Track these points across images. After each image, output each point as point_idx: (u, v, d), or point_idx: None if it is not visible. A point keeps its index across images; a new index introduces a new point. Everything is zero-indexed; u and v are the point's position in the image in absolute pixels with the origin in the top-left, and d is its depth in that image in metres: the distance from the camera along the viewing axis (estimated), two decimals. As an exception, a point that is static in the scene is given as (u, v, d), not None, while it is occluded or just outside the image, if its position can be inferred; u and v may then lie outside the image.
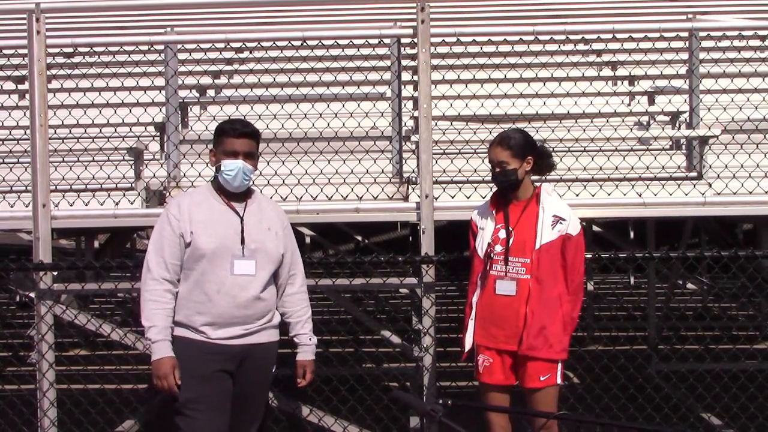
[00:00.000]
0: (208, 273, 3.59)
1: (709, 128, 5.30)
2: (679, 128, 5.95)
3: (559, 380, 3.90)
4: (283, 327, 3.86)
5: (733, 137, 5.34)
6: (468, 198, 4.95)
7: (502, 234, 3.94)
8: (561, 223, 3.90)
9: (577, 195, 4.99)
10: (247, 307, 3.64)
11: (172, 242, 3.61)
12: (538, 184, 4.07)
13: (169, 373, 3.54)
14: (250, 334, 3.67)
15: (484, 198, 4.71)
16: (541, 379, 3.86)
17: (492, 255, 3.93)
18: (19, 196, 5.14)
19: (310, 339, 3.87)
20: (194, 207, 3.67)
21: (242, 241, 3.64)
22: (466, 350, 3.99)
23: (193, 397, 3.56)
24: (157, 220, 3.75)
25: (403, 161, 5.21)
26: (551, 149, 4.21)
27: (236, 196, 3.73)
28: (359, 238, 11.64)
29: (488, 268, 3.93)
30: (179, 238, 3.61)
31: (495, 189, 4.10)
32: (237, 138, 3.69)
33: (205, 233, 3.61)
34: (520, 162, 3.93)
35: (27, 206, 4.91)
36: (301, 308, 3.86)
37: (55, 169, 5.08)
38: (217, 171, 3.72)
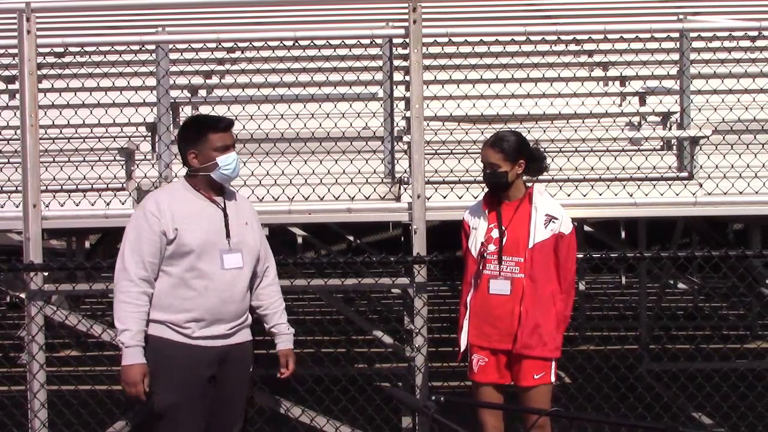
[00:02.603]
0: (196, 268, 3.53)
1: (700, 129, 5.32)
2: (670, 129, 5.97)
3: (552, 378, 3.91)
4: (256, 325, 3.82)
5: (723, 138, 5.36)
6: (460, 198, 4.96)
7: (495, 233, 3.94)
8: (554, 222, 3.91)
9: (569, 195, 5.00)
10: (233, 302, 3.59)
11: (150, 240, 3.52)
12: (530, 184, 4.08)
13: (138, 381, 3.48)
14: (230, 335, 3.62)
15: (476, 198, 4.72)
16: (535, 377, 3.87)
17: (485, 254, 3.94)
18: (9, 197, 5.11)
19: (288, 329, 3.83)
20: (174, 203, 3.58)
21: (227, 235, 3.59)
22: (461, 350, 4.00)
23: (175, 402, 3.50)
24: (132, 218, 3.63)
25: (395, 161, 5.21)
26: (544, 150, 4.22)
27: (214, 190, 3.67)
28: (351, 238, 11.64)
29: (481, 267, 3.94)
30: (159, 236, 3.52)
31: (487, 189, 4.11)
32: (224, 132, 3.63)
33: (190, 228, 3.53)
34: (512, 165, 3.94)
35: (17, 207, 4.88)
36: (276, 300, 3.82)
37: (46, 170, 5.06)
38: (197, 171, 3.62)
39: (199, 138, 3.62)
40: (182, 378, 3.51)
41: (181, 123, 6.02)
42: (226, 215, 3.63)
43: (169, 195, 3.64)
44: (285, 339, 3.82)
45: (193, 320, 3.54)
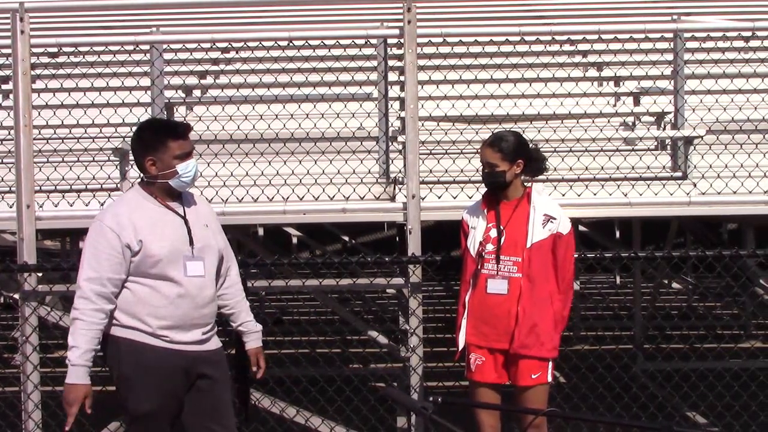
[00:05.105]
0: (167, 277, 3.44)
1: (694, 129, 5.33)
2: (664, 129, 5.98)
3: (549, 378, 3.92)
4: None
5: (717, 137, 5.38)
6: (454, 198, 4.96)
7: (494, 233, 3.95)
8: (552, 222, 3.92)
9: (563, 195, 5.01)
10: (204, 307, 3.53)
11: (109, 256, 3.38)
12: (528, 184, 4.09)
13: (78, 401, 3.37)
14: (206, 340, 3.56)
15: (470, 198, 4.72)
16: (533, 377, 3.88)
17: (483, 254, 3.94)
18: (3, 197, 5.10)
19: (255, 326, 3.78)
20: (134, 214, 3.46)
21: (191, 242, 3.50)
22: (460, 349, 4.01)
23: (148, 411, 3.44)
24: (89, 232, 3.46)
25: (390, 161, 5.21)
26: (542, 150, 4.23)
27: (172, 197, 3.56)
28: (346, 238, 11.63)
29: (480, 267, 3.95)
30: (121, 250, 3.39)
31: (485, 189, 4.11)
32: (184, 138, 3.52)
33: (156, 238, 3.43)
34: (510, 165, 3.95)
35: (11, 207, 4.87)
36: (241, 298, 3.77)
37: (40, 170, 5.04)
38: (155, 178, 3.50)
39: (158, 144, 3.47)
40: (158, 384, 3.44)
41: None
42: (186, 221, 3.54)
43: (126, 207, 3.51)
44: (253, 337, 3.77)
45: (168, 327, 3.45)
